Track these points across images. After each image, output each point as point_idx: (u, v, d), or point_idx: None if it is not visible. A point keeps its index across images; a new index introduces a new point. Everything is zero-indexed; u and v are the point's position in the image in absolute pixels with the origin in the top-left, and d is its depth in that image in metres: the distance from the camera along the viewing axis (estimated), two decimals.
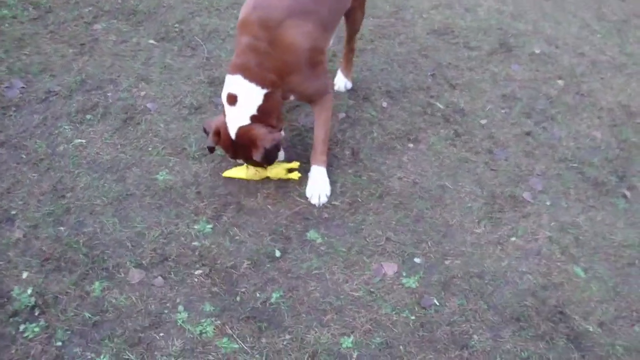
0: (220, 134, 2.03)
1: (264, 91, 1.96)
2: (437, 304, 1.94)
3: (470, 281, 2.03)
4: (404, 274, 2.01)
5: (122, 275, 1.86)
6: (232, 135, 1.99)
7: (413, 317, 1.88)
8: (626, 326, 1.96)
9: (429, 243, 2.15)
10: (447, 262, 2.09)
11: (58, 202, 2.05)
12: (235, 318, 1.79)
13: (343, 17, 2.51)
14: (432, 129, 2.70)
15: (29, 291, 1.76)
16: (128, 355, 1.65)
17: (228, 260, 1.96)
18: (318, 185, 2.22)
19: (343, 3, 2.31)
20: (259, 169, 2.17)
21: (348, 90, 2.85)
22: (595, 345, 1.89)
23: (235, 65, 1.98)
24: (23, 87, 2.56)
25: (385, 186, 2.35)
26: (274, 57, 1.94)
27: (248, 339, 1.74)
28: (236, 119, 1.98)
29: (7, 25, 2.93)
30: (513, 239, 2.22)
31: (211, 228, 2.06)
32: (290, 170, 2.24)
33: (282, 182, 2.28)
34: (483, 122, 2.80)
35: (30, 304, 1.73)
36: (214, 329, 1.75)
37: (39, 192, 2.08)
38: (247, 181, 2.25)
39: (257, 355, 1.70)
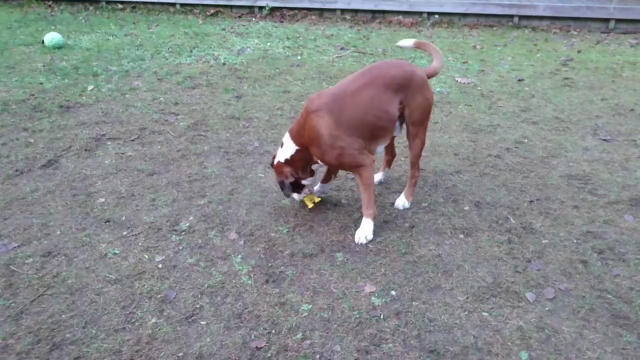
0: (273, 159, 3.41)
1: (296, 147, 3.19)
2: (381, 317, 2.59)
3: (419, 319, 2.57)
4: (376, 295, 2.73)
5: (227, 233, 3.26)
6: (274, 163, 3.32)
7: (357, 316, 2.60)
8: None
9: (411, 288, 2.78)
10: (414, 303, 2.69)
11: None
12: (259, 271, 2.92)
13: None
14: (490, 232, 3.24)
15: (189, 223, 3.34)
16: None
17: (282, 247, 3.12)
18: (363, 231, 3.17)
19: (374, 121, 3.05)
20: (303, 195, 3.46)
21: (444, 189, 3.67)
22: None
23: (290, 128, 3.26)
24: (256, 147, 4.43)
25: (413, 249, 3.09)
26: (304, 130, 3.12)
27: (258, 282, 2.84)
28: (278, 155, 3.29)
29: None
30: (485, 314, 2.61)
31: (287, 231, 3.28)
32: (314, 202, 3.48)
33: (350, 224, 3.33)
34: (544, 241, 3.15)
35: (183, 229, 3.30)
36: (246, 271, 2.92)
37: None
38: (327, 216, 3.40)
39: (254, 289, 2.78)
